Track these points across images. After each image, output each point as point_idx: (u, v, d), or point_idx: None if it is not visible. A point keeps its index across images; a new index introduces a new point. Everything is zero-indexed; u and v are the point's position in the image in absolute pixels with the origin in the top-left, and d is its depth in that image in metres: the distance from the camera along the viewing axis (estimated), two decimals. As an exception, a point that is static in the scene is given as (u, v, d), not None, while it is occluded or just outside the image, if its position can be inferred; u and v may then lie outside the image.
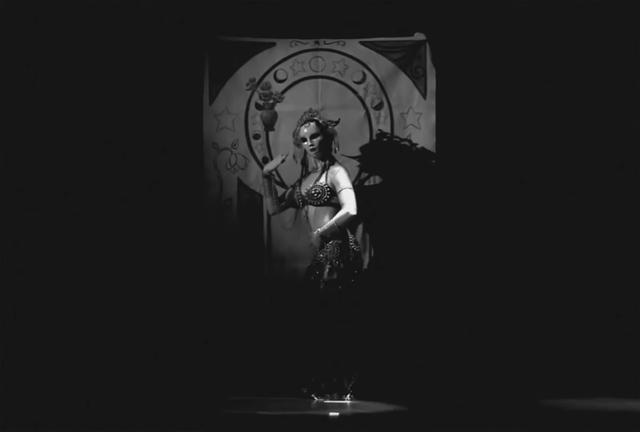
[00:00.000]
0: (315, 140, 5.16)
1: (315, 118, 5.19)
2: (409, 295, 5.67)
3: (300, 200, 5.25)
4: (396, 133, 5.87)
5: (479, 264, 5.75)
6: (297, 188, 5.27)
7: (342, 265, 5.04)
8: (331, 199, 5.12)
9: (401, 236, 5.68)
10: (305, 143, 5.16)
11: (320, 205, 5.15)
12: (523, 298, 5.73)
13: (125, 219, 5.72)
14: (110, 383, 5.37)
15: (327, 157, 5.23)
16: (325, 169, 5.17)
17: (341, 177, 5.12)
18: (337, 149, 5.23)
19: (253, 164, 5.92)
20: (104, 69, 5.70)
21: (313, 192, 5.12)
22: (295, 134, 5.25)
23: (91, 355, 5.54)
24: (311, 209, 5.21)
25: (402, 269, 5.70)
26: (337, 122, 5.27)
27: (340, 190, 5.10)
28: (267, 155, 5.87)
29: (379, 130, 5.90)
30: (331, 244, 5.08)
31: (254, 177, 5.87)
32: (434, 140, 5.84)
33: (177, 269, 5.71)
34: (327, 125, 5.22)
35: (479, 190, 5.80)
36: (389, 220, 5.65)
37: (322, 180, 5.15)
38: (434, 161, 5.82)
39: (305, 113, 5.24)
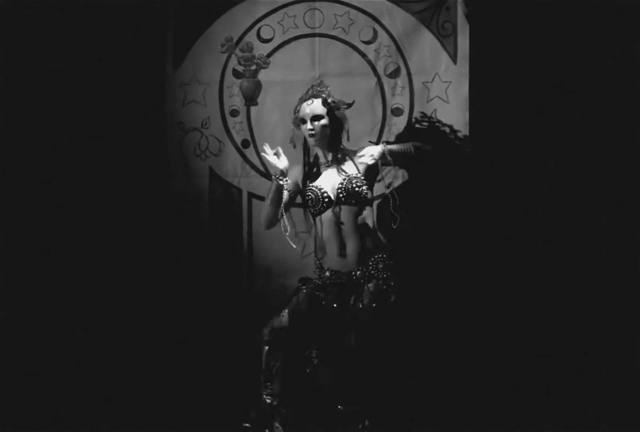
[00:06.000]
0: (317, 124, 4.70)
1: (323, 95, 4.76)
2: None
3: (324, 202, 4.76)
4: (417, 108, 5.48)
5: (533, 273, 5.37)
6: (315, 188, 4.77)
7: (390, 290, 4.68)
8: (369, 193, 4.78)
9: (430, 250, 5.31)
10: (305, 126, 4.74)
11: (360, 204, 4.71)
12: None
13: (65, 220, 5.42)
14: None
15: (334, 148, 4.80)
16: (338, 162, 4.75)
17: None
18: (348, 138, 4.83)
19: (229, 149, 5.52)
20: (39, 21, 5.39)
21: (354, 186, 4.65)
22: (296, 111, 4.84)
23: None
24: (347, 210, 4.75)
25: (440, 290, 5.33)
26: (350, 105, 4.86)
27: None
28: (249, 138, 5.48)
29: (395, 104, 5.51)
30: (376, 258, 4.67)
31: (231, 167, 5.51)
32: (467, 117, 5.44)
33: (134, 284, 5.41)
34: (337, 107, 4.76)
35: (524, 184, 5.33)
36: (411, 226, 5.14)
37: (352, 171, 4.72)
38: (467, 146, 5.42)
39: (313, 86, 4.83)
